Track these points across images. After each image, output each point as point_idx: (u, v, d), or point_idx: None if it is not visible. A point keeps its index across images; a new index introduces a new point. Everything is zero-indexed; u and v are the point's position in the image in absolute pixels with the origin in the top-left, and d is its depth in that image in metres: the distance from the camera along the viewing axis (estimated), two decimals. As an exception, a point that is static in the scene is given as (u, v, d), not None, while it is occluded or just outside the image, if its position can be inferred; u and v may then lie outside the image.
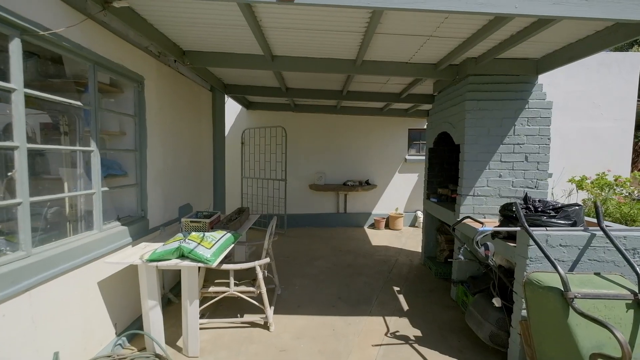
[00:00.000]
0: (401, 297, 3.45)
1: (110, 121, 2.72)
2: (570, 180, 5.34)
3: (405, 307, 3.24)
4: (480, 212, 3.26)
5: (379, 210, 6.93)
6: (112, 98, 2.73)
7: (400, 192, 6.96)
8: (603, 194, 4.99)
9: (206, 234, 2.43)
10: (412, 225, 6.96)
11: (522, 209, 2.32)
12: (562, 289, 1.78)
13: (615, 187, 4.86)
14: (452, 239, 4.13)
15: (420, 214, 6.84)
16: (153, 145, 3.01)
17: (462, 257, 2.58)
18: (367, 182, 6.74)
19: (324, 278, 3.96)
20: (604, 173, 5.18)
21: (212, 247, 2.30)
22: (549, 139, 3.18)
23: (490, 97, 3.19)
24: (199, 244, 2.28)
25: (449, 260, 3.51)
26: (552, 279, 1.88)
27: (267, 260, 2.76)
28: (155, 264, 2.20)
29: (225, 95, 5.18)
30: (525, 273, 2.12)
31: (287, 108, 6.40)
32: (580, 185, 5.21)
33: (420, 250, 5.11)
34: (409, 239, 5.89)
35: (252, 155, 6.53)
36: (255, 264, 2.68)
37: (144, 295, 2.31)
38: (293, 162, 6.65)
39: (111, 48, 2.42)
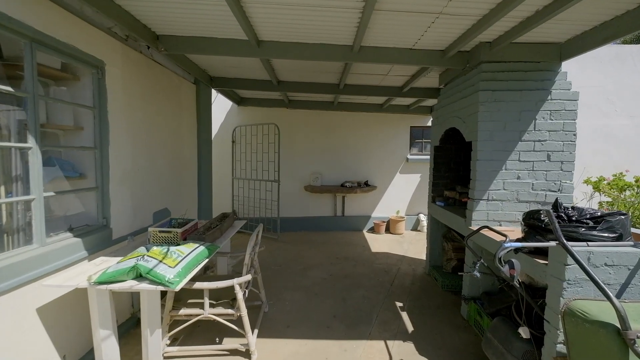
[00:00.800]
0: (405, 315, 3.04)
1: (63, 113, 2.30)
2: (586, 182, 4.94)
3: (410, 327, 2.83)
4: (495, 219, 2.86)
5: (379, 213, 6.52)
6: (64, 86, 2.32)
7: (401, 193, 6.55)
8: (622, 196, 4.59)
9: (171, 248, 2.02)
10: (415, 229, 6.55)
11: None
12: (619, 327, 1.37)
13: (635, 188, 4.46)
14: (461, 247, 3.72)
15: (423, 217, 6.44)
16: (118, 142, 2.60)
17: (478, 274, 2.19)
18: (366, 183, 6.33)
19: (319, 291, 3.55)
20: (621, 173, 4.78)
21: (176, 265, 1.89)
22: (574, 135, 2.77)
23: (507, 87, 2.79)
24: (160, 261, 1.87)
25: (459, 274, 3.11)
26: (602, 311, 1.47)
27: (248, 277, 2.35)
28: (105, 286, 1.79)
29: (213, 90, 4.78)
30: (561, 299, 1.72)
31: (281, 104, 6.00)
32: (597, 187, 4.80)
33: (424, 258, 4.71)
34: (412, 245, 5.48)
35: (243, 155, 6.12)
36: (234, 282, 2.27)
37: (95, 324, 1.90)
38: (287, 162, 6.24)
39: (58, 24, 2.01)
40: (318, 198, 6.37)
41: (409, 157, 6.47)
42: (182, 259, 1.96)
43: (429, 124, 6.46)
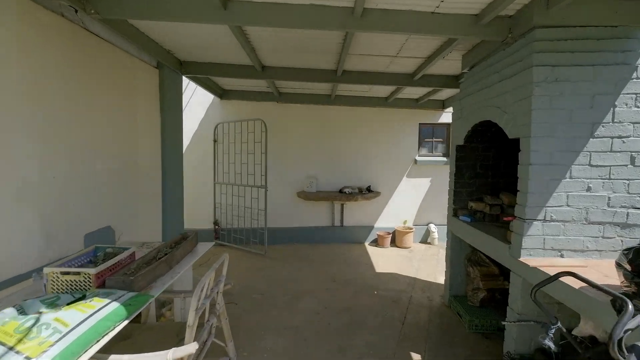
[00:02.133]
0: (425, 377, 2.22)
1: None
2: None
3: (435, 399, 2.02)
4: (554, 247, 2.04)
5: (383, 224, 5.69)
6: None
7: (409, 201, 5.73)
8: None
9: (43, 317, 1.19)
10: (424, 241, 5.72)
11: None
12: None
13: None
14: (491, 273, 2.91)
15: (433, 228, 5.61)
16: (9, 140, 1.77)
17: (553, 346, 1.41)
18: (368, 189, 5.51)
19: (309, 335, 2.73)
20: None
21: (44, 351, 1.06)
22: (670, 128, 1.97)
23: (572, 61, 1.97)
24: (10, 349, 1.05)
25: (502, 323, 2.28)
26: None
27: (192, 348, 1.51)
28: None
29: (193, 82, 3.97)
30: None
31: (271, 97, 5.19)
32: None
33: (439, 281, 3.90)
34: (422, 262, 4.66)
35: (226, 156, 5.30)
36: (169, 356, 1.44)
37: None
38: (277, 164, 5.42)
39: None
40: (313, 206, 5.55)
41: (418, 158, 5.65)
42: (61, 338, 1.13)
43: (441, 120, 5.66)
